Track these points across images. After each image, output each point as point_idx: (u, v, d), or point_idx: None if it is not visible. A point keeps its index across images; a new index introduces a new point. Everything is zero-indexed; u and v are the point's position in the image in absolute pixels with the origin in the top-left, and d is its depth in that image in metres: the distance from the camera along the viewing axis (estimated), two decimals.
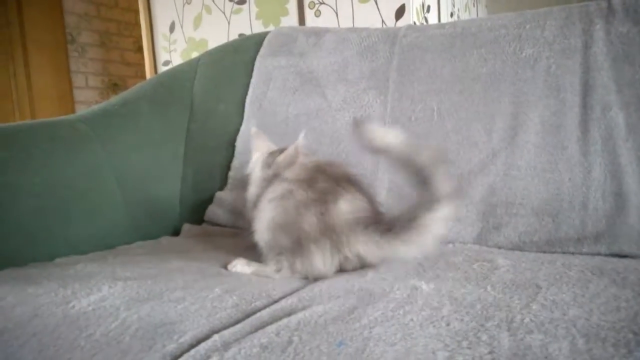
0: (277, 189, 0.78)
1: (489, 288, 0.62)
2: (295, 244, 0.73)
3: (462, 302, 0.57)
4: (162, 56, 2.08)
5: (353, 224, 0.73)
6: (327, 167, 0.81)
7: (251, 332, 0.51)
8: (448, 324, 0.51)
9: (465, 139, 1.02)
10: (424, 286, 0.63)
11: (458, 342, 0.47)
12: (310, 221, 0.72)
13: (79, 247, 0.98)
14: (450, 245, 0.94)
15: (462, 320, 0.52)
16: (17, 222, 0.95)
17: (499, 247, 0.90)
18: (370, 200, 0.80)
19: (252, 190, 0.87)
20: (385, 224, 0.73)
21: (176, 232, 1.19)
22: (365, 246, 0.72)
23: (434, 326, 0.51)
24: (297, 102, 1.23)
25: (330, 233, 0.72)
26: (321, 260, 0.73)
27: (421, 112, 1.08)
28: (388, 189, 1.05)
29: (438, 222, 0.69)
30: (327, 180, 0.77)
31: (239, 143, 1.27)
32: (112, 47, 3.52)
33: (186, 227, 1.18)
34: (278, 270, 0.76)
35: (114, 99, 1.36)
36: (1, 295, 0.68)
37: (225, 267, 0.80)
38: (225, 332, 0.52)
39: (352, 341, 0.48)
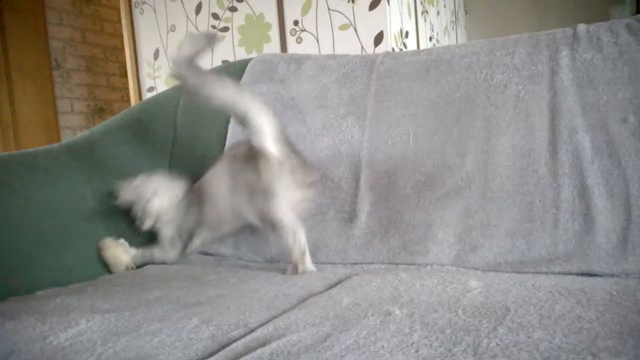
0: None
1: (459, 312, 0.64)
2: None
3: (432, 327, 0.59)
4: (146, 82, 2.11)
5: None
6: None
7: None
8: (417, 350, 0.52)
9: (441, 162, 1.05)
10: (397, 311, 0.65)
11: None
12: None
13: (61, 279, 0.98)
14: (428, 267, 0.96)
15: (430, 345, 0.53)
16: None
17: (475, 269, 0.92)
18: None
19: None
20: None
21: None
22: None
23: (404, 353, 0.52)
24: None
25: None
26: None
27: (398, 136, 1.11)
28: (368, 212, 1.07)
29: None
30: None
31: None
32: (98, 72, 3.54)
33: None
34: None
35: (97, 127, 1.38)
36: None
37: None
38: None
39: None
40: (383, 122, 1.14)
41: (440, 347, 0.53)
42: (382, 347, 0.54)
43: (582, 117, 0.94)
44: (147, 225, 1.11)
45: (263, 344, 0.57)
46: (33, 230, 1.02)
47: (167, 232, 1.14)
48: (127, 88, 3.46)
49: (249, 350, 0.56)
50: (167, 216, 1.13)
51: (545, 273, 0.86)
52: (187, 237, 1.15)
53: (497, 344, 0.53)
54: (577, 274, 0.84)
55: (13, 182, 1.05)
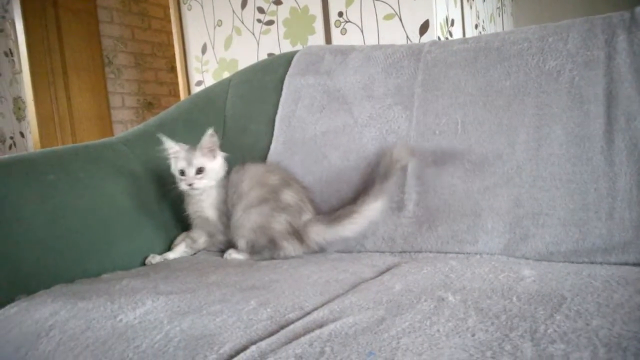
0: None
1: (514, 299, 0.64)
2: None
3: (487, 312, 0.60)
4: (194, 77, 2.17)
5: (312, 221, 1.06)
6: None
7: (286, 343, 0.55)
8: (473, 335, 0.53)
9: (489, 151, 1.04)
10: (450, 297, 0.66)
11: (482, 352, 0.49)
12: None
13: (123, 264, 1.05)
14: (478, 256, 0.95)
15: (486, 330, 0.54)
16: (66, 240, 1.01)
17: (526, 258, 0.91)
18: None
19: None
20: (333, 215, 1.06)
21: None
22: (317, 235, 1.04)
23: (460, 336, 0.53)
24: (325, 120, 1.27)
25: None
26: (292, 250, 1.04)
27: (445, 125, 1.11)
28: (416, 201, 1.07)
29: (372, 211, 1.04)
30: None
31: (269, 160, 1.31)
32: (147, 67, 3.67)
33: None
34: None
35: (151, 120, 1.44)
36: (55, 310, 0.74)
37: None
38: (262, 344, 0.56)
39: (381, 351, 0.51)
40: (430, 112, 1.14)
41: (497, 332, 0.54)
42: (438, 330, 0.55)
43: None
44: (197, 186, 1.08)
45: (320, 326, 0.60)
46: (97, 217, 1.08)
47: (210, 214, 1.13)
48: (174, 83, 3.58)
49: (307, 331, 0.58)
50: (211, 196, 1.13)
51: (601, 263, 0.85)
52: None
53: (554, 330, 0.53)
54: (634, 264, 0.82)
55: (79, 173, 1.12)
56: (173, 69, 3.58)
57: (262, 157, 1.32)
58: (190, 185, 1.07)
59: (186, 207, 1.16)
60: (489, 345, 0.50)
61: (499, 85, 1.08)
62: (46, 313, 0.73)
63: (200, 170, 1.08)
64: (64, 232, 1.02)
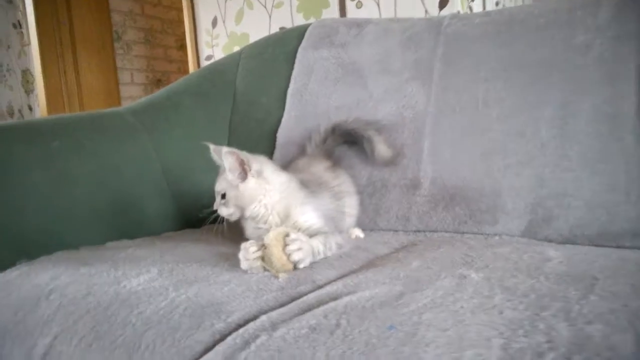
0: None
1: (541, 278, 0.60)
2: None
3: (514, 291, 0.56)
4: (204, 51, 2.12)
5: None
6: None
7: (298, 314, 0.52)
8: (501, 312, 0.49)
9: (512, 128, 0.99)
10: (473, 275, 0.62)
11: (513, 330, 0.45)
12: None
13: (127, 233, 1.01)
14: (497, 237, 0.91)
15: (515, 309, 0.50)
16: (70, 207, 0.98)
17: (549, 241, 0.87)
18: None
19: None
20: None
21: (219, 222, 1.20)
22: None
23: (486, 314, 0.49)
24: (339, 94, 1.23)
25: None
26: None
27: (466, 102, 1.06)
28: (432, 179, 1.03)
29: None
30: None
31: (280, 134, 1.27)
32: (156, 44, 3.62)
33: None
34: None
35: (160, 92, 1.40)
36: (56, 275, 0.71)
37: None
38: (273, 314, 0.52)
39: (402, 326, 0.47)
40: (450, 88, 1.09)
41: (527, 310, 0.50)
42: (462, 307, 0.52)
43: None
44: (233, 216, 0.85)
45: (334, 299, 0.56)
46: (102, 186, 1.05)
47: None
48: (184, 61, 3.52)
49: (320, 303, 0.55)
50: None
51: (630, 247, 0.80)
52: None
53: (590, 311, 0.49)
54: None
55: (84, 141, 1.08)
56: (183, 46, 3.53)
57: (273, 131, 1.28)
58: (215, 211, 0.85)
59: None
60: (519, 324, 0.47)
61: (523, 59, 1.03)
62: (46, 277, 0.71)
63: (223, 196, 0.85)
64: (68, 199, 0.99)
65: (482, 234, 0.94)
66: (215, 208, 0.85)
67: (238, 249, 0.76)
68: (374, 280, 0.62)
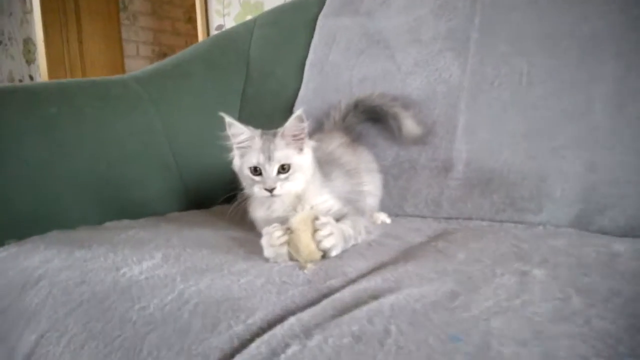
0: None
1: (617, 278, 0.50)
2: None
3: (592, 294, 0.46)
4: (215, 20, 2.00)
5: None
6: None
7: (335, 316, 0.42)
8: (588, 322, 0.40)
9: (560, 107, 0.88)
10: (536, 272, 0.52)
11: (613, 347, 0.36)
12: None
13: (129, 213, 0.92)
14: (541, 228, 0.81)
15: (603, 317, 0.41)
16: (66, 182, 0.89)
17: (604, 233, 0.77)
18: None
19: None
20: None
21: (231, 202, 1.11)
22: None
23: (569, 323, 0.40)
24: (363, 66, 1.12)
25: None
26: None
27: (506, 76, 0.95)
28: (466, 161, 0.93)
29: None
30: None
31: (297, 108, 1.16)
32: (164, 16, 3.48)
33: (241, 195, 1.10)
34: None
35: (168, 59, 1.29)
36: (47, 258, 0.62)
37: None
38: (303, 315, 0.43)
39: (468, 336, 0.38)
40: (489, 60, 0.98)
41: (618, 319, 0.40)
42: (536, 313, 0.42)
43: None
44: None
45: (375, 297, 0.46)
46: (103, 159, 0.96)
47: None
48: (192, 35, 3.39)
49: (358, 302, 0.45)
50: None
51: None
52: None
53: None
54: None
55: (84, 108, 0.99)
56: (191, 19, 3.40)
57: (289, 105, 1.18)
58: (271, 190, 0.70)
59: None
60: (616, 338, 0.37)
61: (573, 30, 0.92)
62: (36, 261, 0.62)
63: (284, 168, 0.72)
64: (64, 173, 0.89)
65: (523, 222, 0.85)
66: (271, 185, 0.70)
67: (252, 234, 0.67)
68: (418, 274, 0.53)
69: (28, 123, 0.90)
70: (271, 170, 0.71)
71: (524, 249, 0.63)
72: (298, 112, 0.71)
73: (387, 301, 0.45)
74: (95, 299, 0.49)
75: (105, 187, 0.94)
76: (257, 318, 0.43)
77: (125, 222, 0.84)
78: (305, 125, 0.73)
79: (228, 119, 0.75)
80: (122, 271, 0.55)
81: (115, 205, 0.95)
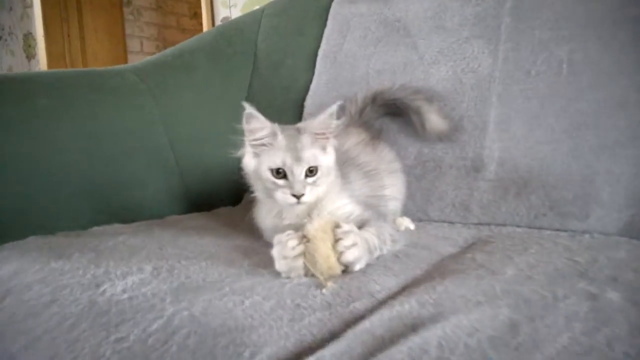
0: None
1: None
2: None
3: None
4: (220, 12, 1.91)
5: None
6: None
7: (365, 356, 0.32)
8: None
9: (608, 98, 0.79)
10: (610, 295, 0.42)
11: None
12: None
13: (122, 216, 0.83)
14: (588, 237, 0.71)
15: None
16: (53, 180, 0.80)
17: None
18: None
19: None
20: None
21: (235, 204, 1.01)
22: None
23: None
24: (381, 55, 1.03)
25: None
26: None
27: (545, 64, 0.85)
28: (500, 160, 0.83)
29: None
30: None
31: (308, 102, 1.08)
32: (168, 11, 3.40)
33: (248, 197, 1.00)
34: None
35: (169, 49, 1.21)
36: (19, 269, 0.53)
37: None
38: (325, 354, 0.33)
39: None
40: (524, 47, 0.88)
41: None
42: (627, 354, 0.32)
43: None
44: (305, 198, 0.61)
45: (414, 328, 0.37)
46: (96, 156, 0.87)
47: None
48: (197, 30, 3.30)
49: (394, 336, 0.36)
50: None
51: None
52: None
53: None
54: None
55: (78, 100, 0.91)
56: (196, 14, 3.32)
57: (300, 98, 1.09)
58: (299, 196, 0.60)
59: None
60: None
61: (620, 13, 0.83)
62: (6, 272, 0.53)
63: (311, 171, 0.62)
64: (51, 170, 0.81)
65: (566, 230, 0.74)
66: (300, 191, 0.59)
67: (258, 243, 0.57)
68: (462, 297, 0.43)
69: (12, 114, 0.81)
70: (299, 173, 0.61)
71: (581, 264, 0.53)
72: (332, 107, 0.62)
73: (431, 335, 0.35)
74: (63, 325, 0.39)
75: (98, 187, 0.86)
76: (265, 356, 0.34)
77: (115, 226, 0.75)
78: (339, 123, 0.64)
79: (249, 109, 0.63)
80: (102, 288, 0.45)
81: (108, 206, 0.86)
